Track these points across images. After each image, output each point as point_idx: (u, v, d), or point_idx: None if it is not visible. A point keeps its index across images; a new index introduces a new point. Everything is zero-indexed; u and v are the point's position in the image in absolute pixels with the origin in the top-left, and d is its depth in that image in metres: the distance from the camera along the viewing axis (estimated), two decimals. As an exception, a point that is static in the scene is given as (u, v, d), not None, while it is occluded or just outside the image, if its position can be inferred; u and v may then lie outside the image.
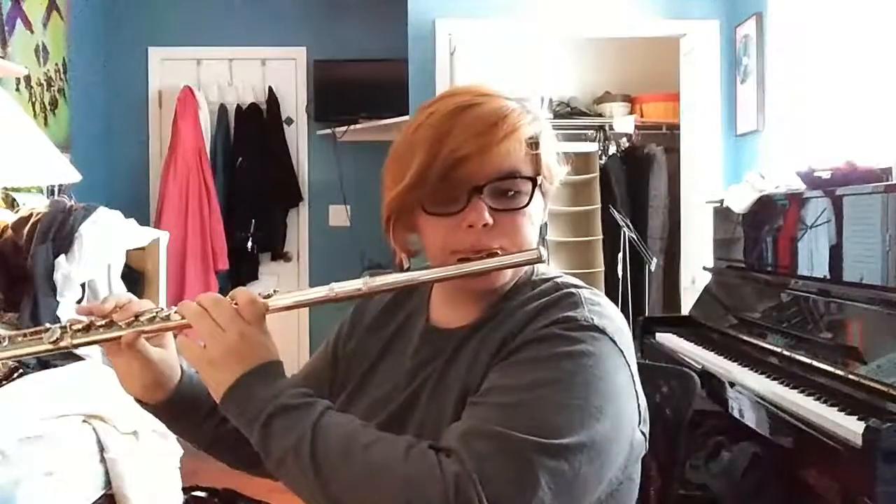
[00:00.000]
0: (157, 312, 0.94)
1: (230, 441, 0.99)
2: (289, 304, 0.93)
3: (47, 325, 0.94)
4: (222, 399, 0.88)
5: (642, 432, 0.94)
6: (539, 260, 0.92)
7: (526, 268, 0.98)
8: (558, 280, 0.97)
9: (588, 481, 0.82)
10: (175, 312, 0.92)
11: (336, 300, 0.93)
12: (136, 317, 0.93)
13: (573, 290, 0.93)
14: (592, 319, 0.88)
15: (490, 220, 0.89)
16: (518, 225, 0.92)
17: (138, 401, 1.02)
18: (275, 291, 0.93)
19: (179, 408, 1.02)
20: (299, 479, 0.83)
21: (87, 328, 0.93)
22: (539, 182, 0.93)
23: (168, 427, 1.07)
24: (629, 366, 0.90)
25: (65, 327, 0.93)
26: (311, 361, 1.15)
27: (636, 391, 0.92)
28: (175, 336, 1.00)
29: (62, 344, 0.93)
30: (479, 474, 0.77)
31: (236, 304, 0.90)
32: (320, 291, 0.92)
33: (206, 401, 0.98)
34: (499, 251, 0.91)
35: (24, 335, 0.94)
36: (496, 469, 0.77)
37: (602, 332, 0.88)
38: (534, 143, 0.92)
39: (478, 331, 0.95)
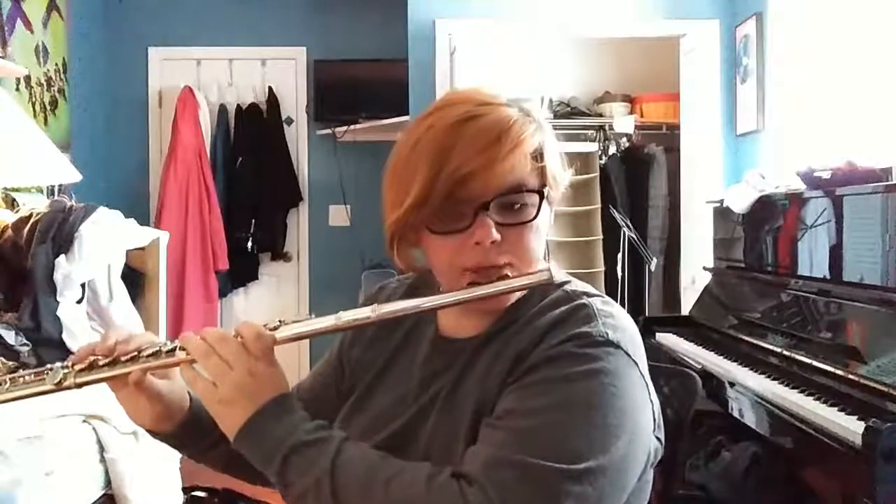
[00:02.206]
0: (160, 347, 0.92)
1: (246, 461, 0.98)
2: (295, 336, 0.91)
3: (49, 365, 0.93)
4: (236, 438, 0.87)
5: (657, 437, 0.94)
6: (549, 282, 0.90)
7: None
8: (568, 289, 0.95)
9: (611, 499, 0.82)
10: (179, 348, 0.91)
11: (343, 329, 0.92)
12: (140, 352, 0.92)
13: (585, 300, 0.91)
14: (607, 334, 0.87)
15: (497, 237, 0.87)
16: (525, 239, 0.90)
17: (149, 431, 1.01)
18: (280, 322, 0.91)
19: (191, 434, 1.01)
20: None
21: (91, 367, 0.92)
22: (546, 193, 0.92)
23: (182, 453, 1.05)
24: (643, 376, 0.89)
25: (68, 367, 0.92)
26: (316, 370, 1.14)
27: (651, 399, 0.91)
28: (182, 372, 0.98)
29: (66, 384, 0.91)
30: None
31: (242, 339, 0.89)
32: (327, 321, 0.91)
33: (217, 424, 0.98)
34: (507, 265, 0.89)
35: (25, 377, 0.93)
36: (521, 499, 0.77)
37: (617, 346, 0.86)
38: (539, 155, 0.90)
39: (490, 341, 0.94)
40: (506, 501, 0.76)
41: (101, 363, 0.92)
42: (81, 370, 0.92)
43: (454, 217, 0.88)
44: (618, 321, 0.90)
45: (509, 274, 0.90)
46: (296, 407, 0.89)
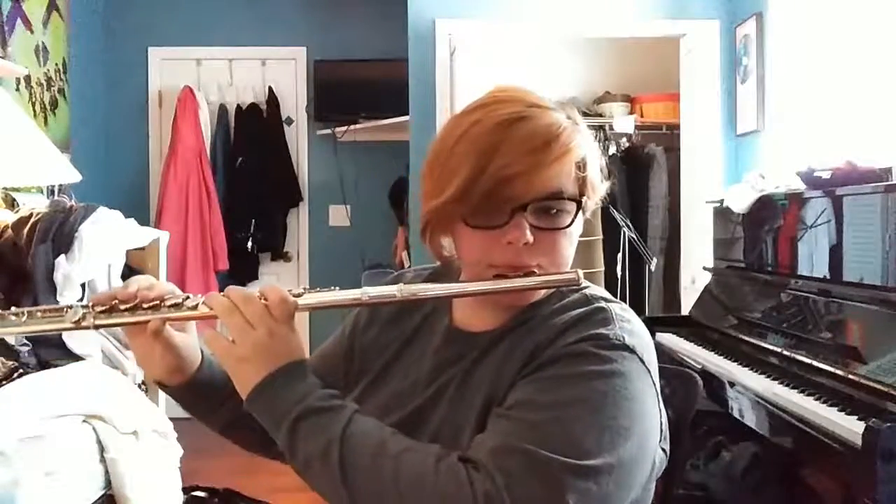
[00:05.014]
0: (183, 300, 0.93)
1: (246, 424, 0.99)
2: (318, 305, 0.91)
3: (69, 304, 0.92)
4: (249, 397, 0.87)
5: (663, 449, 0.94)
6: (576, 283, 0.91)
7: None
8: (587, 292, 0.95)
9: (614, 501, 0.82)
10: (203, 303, 0.91)
11: (367, 304, 0.93)
12: (162, 301, 0.92)
13: (604, 304, 0.92)
14: (623, 338, 0.88)
15: (530, 239, 0.88)
16: (558, 244, 0.91)
17: (157, 382, 1.01)
18: (304, 290, 0.92)
19: (199, 391, 1.02)
20: (326, 484, 0.84)
21: (111, 310, 0.91)
22: (583, 203, 0.92)
23: (184, 408, 1.06)
24: (655, 385, 0.90)
25: (88, 307, 0.91)
26: (324, 347, 1.14)
27: (660, 409, 0.92)
28: (200, 329, 1.00)
29: (84, 324, 0.90)
30: (509, 492, 0.77)
31: (266, 301, 0.89)
32: (352, 294, 0.91)
33: (226, 385, 0.98)
34: (536, 269, 0.90)
35: (45, 311, 0.92)
36: (526, 488, 0.77)
37: (632, 351, 0.87)
38: (582, 165, 0.91)
39: (504, 337, 0.94)
40: (510, 489, 0.77)
41: (121, 308, 0.92)
42: (101, 312, 0.91)
43: (491, 214, 0.88)
44: (634, 327, 0.91)
45: (537, 273, 0.90)
46: (311, 375, 0.90)
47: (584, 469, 0.79)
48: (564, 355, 0.86)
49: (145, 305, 0.92)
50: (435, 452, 0.82)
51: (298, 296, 0.91)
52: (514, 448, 0.79)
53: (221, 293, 0.91)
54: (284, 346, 0.88)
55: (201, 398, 1.03)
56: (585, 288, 0.96)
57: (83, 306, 0.91)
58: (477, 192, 0.87)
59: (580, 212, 0.92)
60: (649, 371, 0.89)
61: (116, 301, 0.92)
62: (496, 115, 0.89)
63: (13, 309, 0.92)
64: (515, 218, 0.88)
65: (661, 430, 0.93)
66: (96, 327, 0.91)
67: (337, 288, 0.92)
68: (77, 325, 0.90)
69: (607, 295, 0.96)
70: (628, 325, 0.90)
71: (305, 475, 0.85)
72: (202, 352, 1.02)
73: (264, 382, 0.86)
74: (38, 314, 0.92)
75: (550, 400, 0.83)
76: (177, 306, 0.92)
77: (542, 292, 0.95)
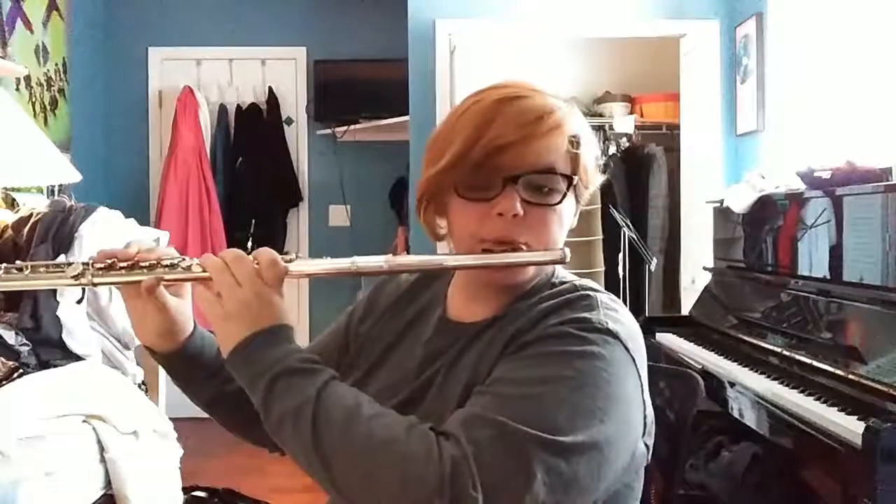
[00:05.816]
0: (178, 261, 0.95)
1: (230, 402, 1.01)
2: (309, 272, 0.94)
3: (69, 260, 0.95)
4: (230, 354, 0.88)
5: (646, 444, 0.94)
6: (562, 260, 0.92)
7: (547, 269, 0.98)
8: (577, 283, 0.97)
9: (584, 483, 0.81)
10: (197, 264, 0.93)
11: (356, 274, 0.94)
12: (159, 262, 0.94)
13: (590, 293, 0.94)
14: (606, 323, 0.88)
15: (520, 212, 0.89)
16: (547, 221, 0.92)
17: (148, 348, 1.03)
18: (297, 256, 0.94)
19: (187, 360, 1.03)
20: (296, 443, 0.84)
21: (109, 268, 0.94)
22: (575, 182, 0.93)
23: (172, 379, 1.07)
24: (639, 375, 0.90)
25: (87, 264, 0.93)
26: (320, 338, 1.16)
27: (644, 401, 0.91)
28: (193, 287, 1.01)
29: (83, 280, 0.93)
30: (476, 460, 0.77)
31: (258, 263, 0.91)
32: (342, 263, 0.93)
33: (215, 358, 1.00)
34: (524, 246, 0.91)
35: (46, 267, 0.94)
36: (493, 457, 0.77)
37: (615, 336, 0.87)
38: (575, 142, 0.93)
39: (492, 326, 0.95)
40: (478, 458, 0.77)
41: (119, 266, 0.94)
42: (100, 269, 0.93)
43: (483, 185, 0.91)
44: (620, 316, 0.91)
45: (524, 250, 0.92)
46: (293, 340, 0.91)
47: (554, 444, 0.78)
48: (546, 336, 0.87)
49: (143, 264, 0.94)
50: (408, 419, 0.83)
51: (290, 261, 0.93)
52: (486, 419, 0.80)
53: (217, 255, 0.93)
54: (270, 308, 0.89)
55: (188, 368, 1.04)
56: (576, 281, 0.98)
57: (83, 263, 0.93)
58: (469, 161, 0.89)
59: (571, 189, 0.93)
60: (634, 360, 0.89)
61: (115, 260, 0.94)
62: (496, 94, 0.93)
63: (17, 263, 0.95)
64: (507, 189, 0.89)
65: (645, 425, 0.92)
66: (94, 284, 0.94)
67: (328, 257, 0.94)
68: (76, 281, 0.93)
69: (597, 286, 0.97)
70: (613, 313, 0.91)
71: (277, 434, 0.86)
72: (195, 323, 1.04)
73: (246, 341, 0.87)
74: (41, 269, 0.94)
75: (527, 376, 0.84)
76: (172, 266, 0.94)
77: (532, 280, 0.96)
